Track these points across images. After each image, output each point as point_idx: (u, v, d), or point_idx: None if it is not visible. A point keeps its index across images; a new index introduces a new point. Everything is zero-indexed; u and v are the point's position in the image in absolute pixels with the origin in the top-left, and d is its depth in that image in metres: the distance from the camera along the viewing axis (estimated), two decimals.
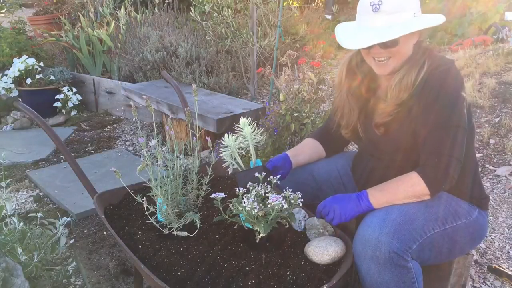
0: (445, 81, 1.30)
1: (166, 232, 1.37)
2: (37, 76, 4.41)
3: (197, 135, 1.57)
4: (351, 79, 1.48)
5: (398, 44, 1.31)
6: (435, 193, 1.31)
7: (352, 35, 1.37)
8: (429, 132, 1.30)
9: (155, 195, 1.39)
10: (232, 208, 1.32)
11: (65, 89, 4.39)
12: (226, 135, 1.50)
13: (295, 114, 2.45)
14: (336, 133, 1.64)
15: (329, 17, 5.90)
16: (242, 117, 1.54)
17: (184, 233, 1.35)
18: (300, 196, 1.35)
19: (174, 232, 1.36)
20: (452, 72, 1.31)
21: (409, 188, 1.31)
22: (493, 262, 2.00)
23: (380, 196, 1.34)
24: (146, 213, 1.33)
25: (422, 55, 1.35)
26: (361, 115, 1.50)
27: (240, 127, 1.52)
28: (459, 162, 1.28)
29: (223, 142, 1.52)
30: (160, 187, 1.38)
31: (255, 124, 1.55)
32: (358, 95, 1.49)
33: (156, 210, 1.39)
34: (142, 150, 3.46)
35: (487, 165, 2.71)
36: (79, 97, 4.46)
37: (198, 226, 1.36)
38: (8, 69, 4.46)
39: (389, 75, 1.40)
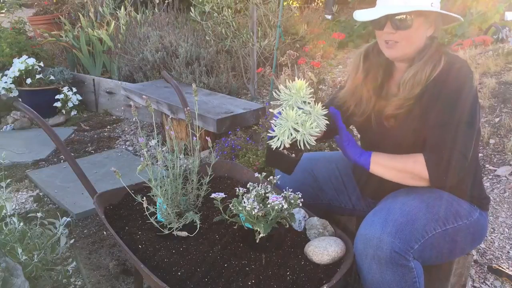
0: (458, 78, 1.30)
1: (166, 232, 1.37)
2: (37, 76, 4.41)
3: (197, 135, 1.57)
4: (368, 68, 1.49)
5: (410, 27, 1.31)
6: (435, 181, 1.30)
7: (367, 11, 1.39)
8: (438, 126, 1.30)
9: (155, 195, 1.39)
10: (232, 208, 1.32)
11: (65, 89, 4.39)
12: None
13: None
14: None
15: (329, 17, 5.90)
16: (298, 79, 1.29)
17: (184, 233, 1.35)
18: (300, 196, 1.35)
19: (174, 232, 1.36)
20: (465, 70, 1.31)
21: (410, 163, 1.31)
22: (493, 262, 2.00)
23: (381, 156, 1.38)
24: (146, 213, 1.33)
25: (436, 51, 1.35)
26: (376, 105, 1.50)
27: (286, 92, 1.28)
28: (465, 158, 1.28)
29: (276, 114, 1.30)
30: (160, 187, 1.38)
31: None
32: (374, 85, 1.49)
33: (156, 210, 1.39)
34: (142, 150, 3.46)
35: (487, 165, 2.71)
36: (79, 97, 4.46)
37: (198, 226, 1.36)
38: (8, 69, 4.45)
39: (398, 61, 1.41)
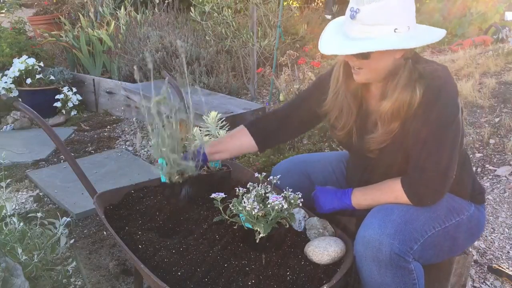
0: (440, 98, 1.25)
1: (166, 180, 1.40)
2: (37, 76, 4.41)
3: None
4: (349, 78, 1.42)
5: (369, 58, 1.26)
6: (417, 205, 1.31)
7: (329, 37, 1.34)
8: (421, 148, 1.27)
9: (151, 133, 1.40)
10: (232, 208, 1.32)
11: (65, 89, 4.39)
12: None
13: None
14: (273, 124, 1.62)
15: (329, 17, 5.90)
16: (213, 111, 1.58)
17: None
18: (300, 196, 1.35)
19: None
20: (446, 87, 1.26)
21: (392, 200, 1.33)
22: (493, 262, 2.00)
23: (362, 199, 1.41)
24: (138, 145, 1.33)
25: (409, 74, 1.28)
26: (358, 118, 1.46)
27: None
28: (448, 177, 1.28)
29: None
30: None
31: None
32: (355, 96, 1.44)
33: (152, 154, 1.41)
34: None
35: (487, 165, 2.71)
36: (79, 97, 4.46)
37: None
38: (8, 69, 4.46)
39: (363, 82, 1.38)
